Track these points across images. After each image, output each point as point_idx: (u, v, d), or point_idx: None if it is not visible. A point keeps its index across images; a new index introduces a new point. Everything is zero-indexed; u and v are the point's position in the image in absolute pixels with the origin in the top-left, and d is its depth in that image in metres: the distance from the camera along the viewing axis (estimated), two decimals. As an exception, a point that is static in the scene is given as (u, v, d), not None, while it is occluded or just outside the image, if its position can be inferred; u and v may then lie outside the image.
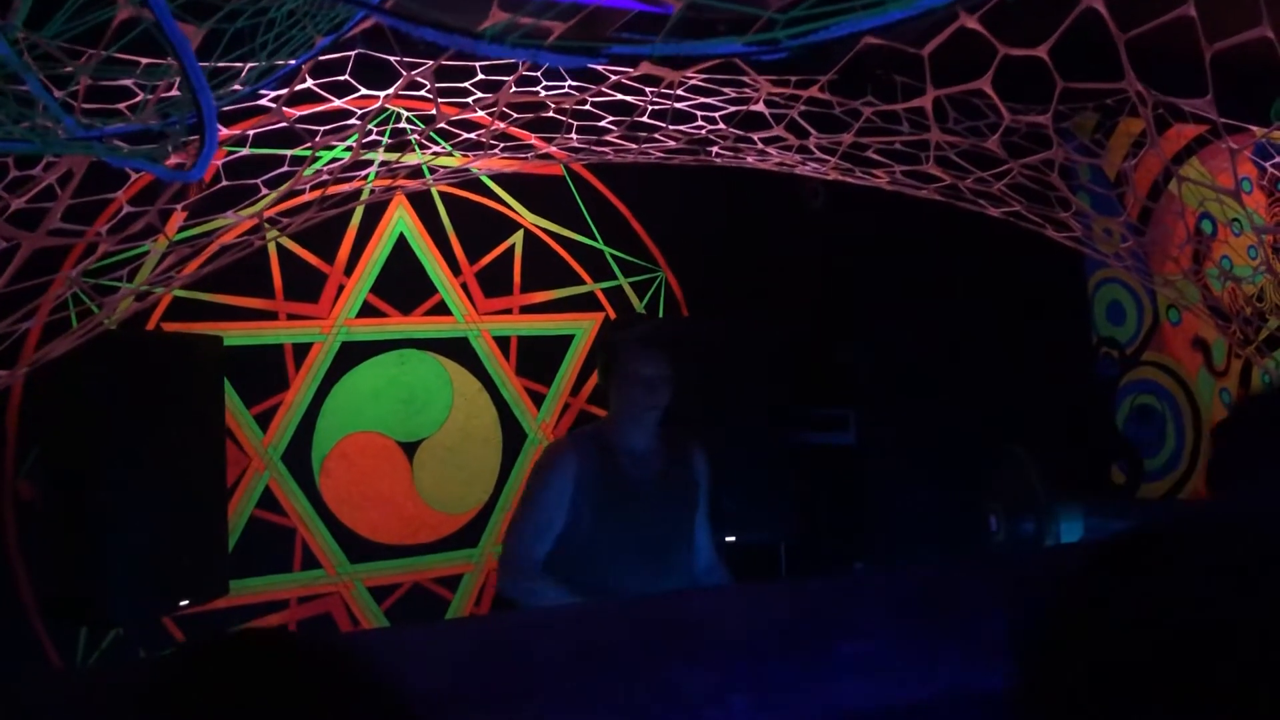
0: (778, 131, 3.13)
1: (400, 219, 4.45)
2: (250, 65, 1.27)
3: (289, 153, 2.91)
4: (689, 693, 2.21)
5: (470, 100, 2.92)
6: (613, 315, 4.82)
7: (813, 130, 3.13)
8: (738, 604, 2.58)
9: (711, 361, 4.41)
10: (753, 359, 4.47)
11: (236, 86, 1.20)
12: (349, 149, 2.89)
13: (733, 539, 4.39)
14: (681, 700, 2.21)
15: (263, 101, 2.52)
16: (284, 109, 2.52)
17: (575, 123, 3.11)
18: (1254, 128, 3.25)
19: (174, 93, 1.36)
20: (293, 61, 1.28)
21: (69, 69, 1.32)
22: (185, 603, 3.56)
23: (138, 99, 1.63)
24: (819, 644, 2.37)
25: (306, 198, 3.10)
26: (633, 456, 3.08)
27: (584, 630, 2.46)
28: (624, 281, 4.84)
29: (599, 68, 2.86)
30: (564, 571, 2.98)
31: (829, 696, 2.19)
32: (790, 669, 2.29)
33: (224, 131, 2.76)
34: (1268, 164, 4.58)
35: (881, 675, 2.30)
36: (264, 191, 2.82)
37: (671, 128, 3.13)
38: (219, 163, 2.92)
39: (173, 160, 1.14)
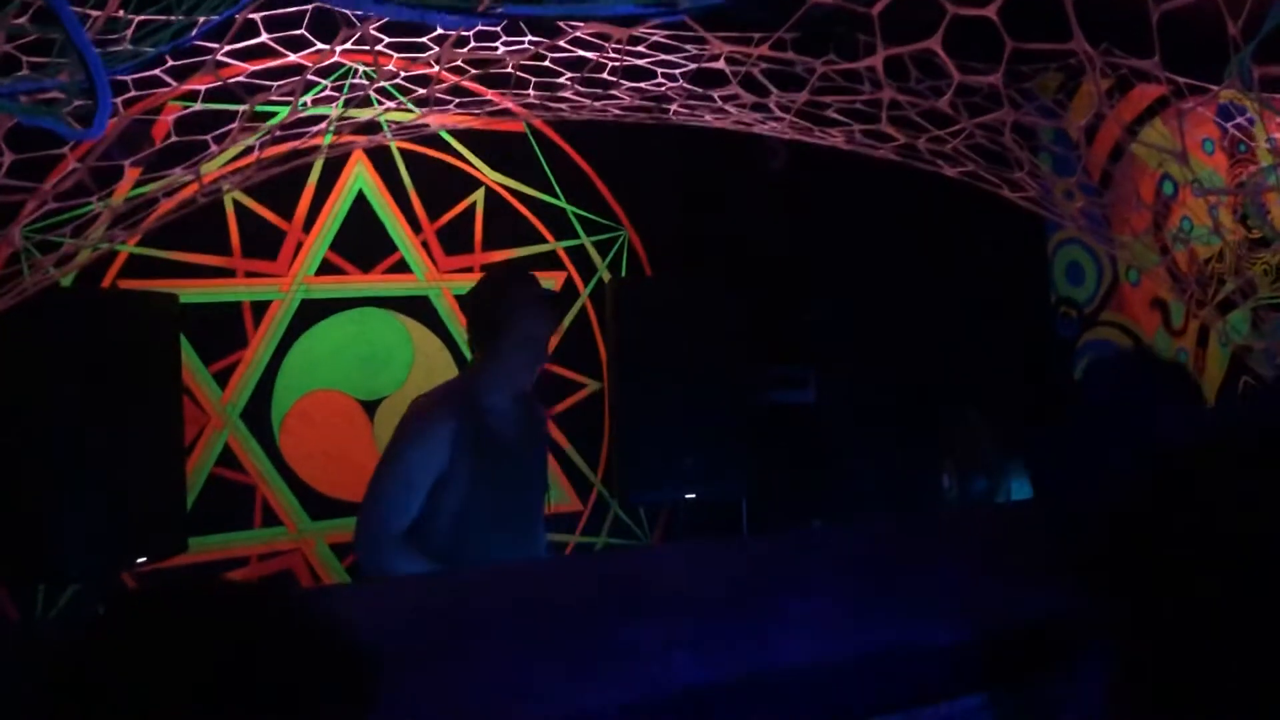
0: (735, 89, 3.12)
1: (359, 175, 4.41)
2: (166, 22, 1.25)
3: (241, 108, 2.87)
4: (632, 648, 2.24)
5: (427, 55, 2.89)
6: (575, 274, 4.81)
7: (773, 88, 3.12)
8: (685, 561, 2.61)
9: (674, 320, 4.42)
10: (714, 317, 4.48)
11: (149, 48, 1.18)
12: (304, 105, 2.85)
13: (693, 496, 4.43)
14: (624, 655, 2.23)
15: (219, 56, 2.48)
16: (231, 63, 2.49)
17: (533, 78, 3.09)
18: (1212, 87, 3.26)
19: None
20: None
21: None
22: (143, 560, 3.56)
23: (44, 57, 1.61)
24: (765, 600, 2.40)
25: (258, 156, 3.06)
26: (497, 415, 2.92)
27: (529, 586, 2.49)
28: (586, 240, 4.83)
29: (561, 24, 2.84)
30: (432, 539, 2.83)
31: (772, 652, 2.22)
32: (735, 625, 2.32)
33: (176, 86, 2.72)
34: (1229, 125, 4.60)
35: (826, 631, 2.33)
36: (213, 148, 2.79)
37: (627, 84, 3.11)
38: (170, 119, 2.89)
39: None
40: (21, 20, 1.64)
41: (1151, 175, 4.61)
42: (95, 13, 1.31)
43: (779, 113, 3.27)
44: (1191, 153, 3.08)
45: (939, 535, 2.88)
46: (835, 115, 3.20)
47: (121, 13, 1.32)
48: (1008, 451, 3.73)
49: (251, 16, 2.39)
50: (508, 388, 2.95)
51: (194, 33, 1.38)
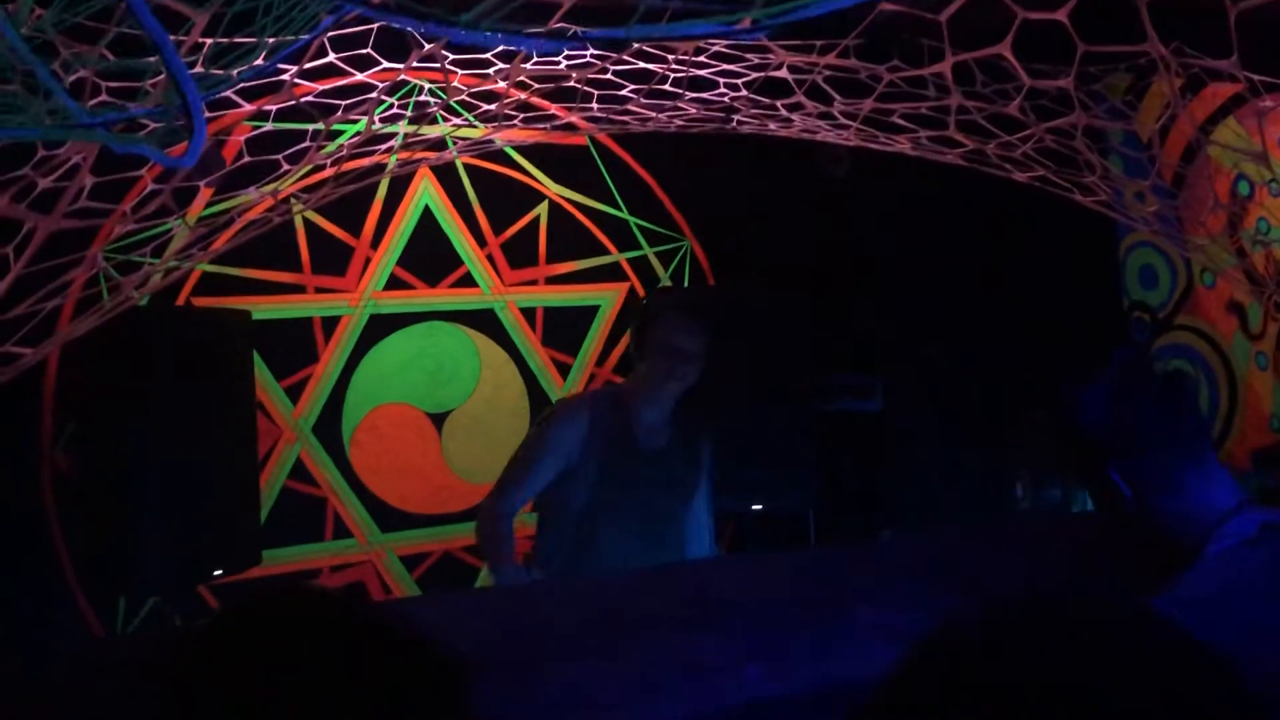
0: (800, 98, 3.11)
1: (425, 191, 4.46)
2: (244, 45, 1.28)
3: (310, 127, 2.93)
4: (705, 661, 2.23)
5: (491, 71, 2.92)
6: (638, 285, 4.82)
7: (837, 96, 3.10)
8: (757, 573, 2.60)
9: (739, 330, 4.40)
10: (779, 327, 4.45)
11: (234, 72, 1.21)
12: (371, 122, 2.90)
13: (759, 507, 4.40)
14: (698, 668, 2.23)
15: (284, 77, 2.53)
16: (302, 83, 2.54)
17: (596, 92, 3.10)
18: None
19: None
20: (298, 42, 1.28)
21: (71, 55, 1.34)
22: (219, 572, 3.62)
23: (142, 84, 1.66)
24: (836, 613, 2.38)
25: (329, 173, 3.12)
26: (645, 425, 3.02)
27: (605, 599, 2.49)
28: (649, 251, 4.83)
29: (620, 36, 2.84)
30: (562, 532, 2.96)
31: (843, 664, 2.20)
32: (806, 638, 2.30)
33: (247, 107, 2.78)
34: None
35: (899, 644, 2.31)
36: (285, 167, 2.85)
37: (691, 95, 3.12)
38: (242, 139, 2.95)
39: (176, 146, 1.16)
40: (100, 47, 1.69)
41: (1226, 175, 4.50)
42: (183, 38, 1.34)
43: (844, 120, 3.26)
44: (1270, 152, 3.00)
45: (1013, 545, 2.83)
46: (901, 121, 3.18)
47: (209, 41, 1.36)
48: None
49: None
50: (658, 398, 3.02)
51: (267, 57, 1.40)
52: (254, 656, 0.83)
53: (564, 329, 4.71)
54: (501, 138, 3.65)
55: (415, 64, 2.61)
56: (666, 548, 3.04)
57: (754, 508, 4.42)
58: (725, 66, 3.05)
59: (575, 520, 2.94)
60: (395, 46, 2.68)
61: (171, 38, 1.35)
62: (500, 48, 2.90)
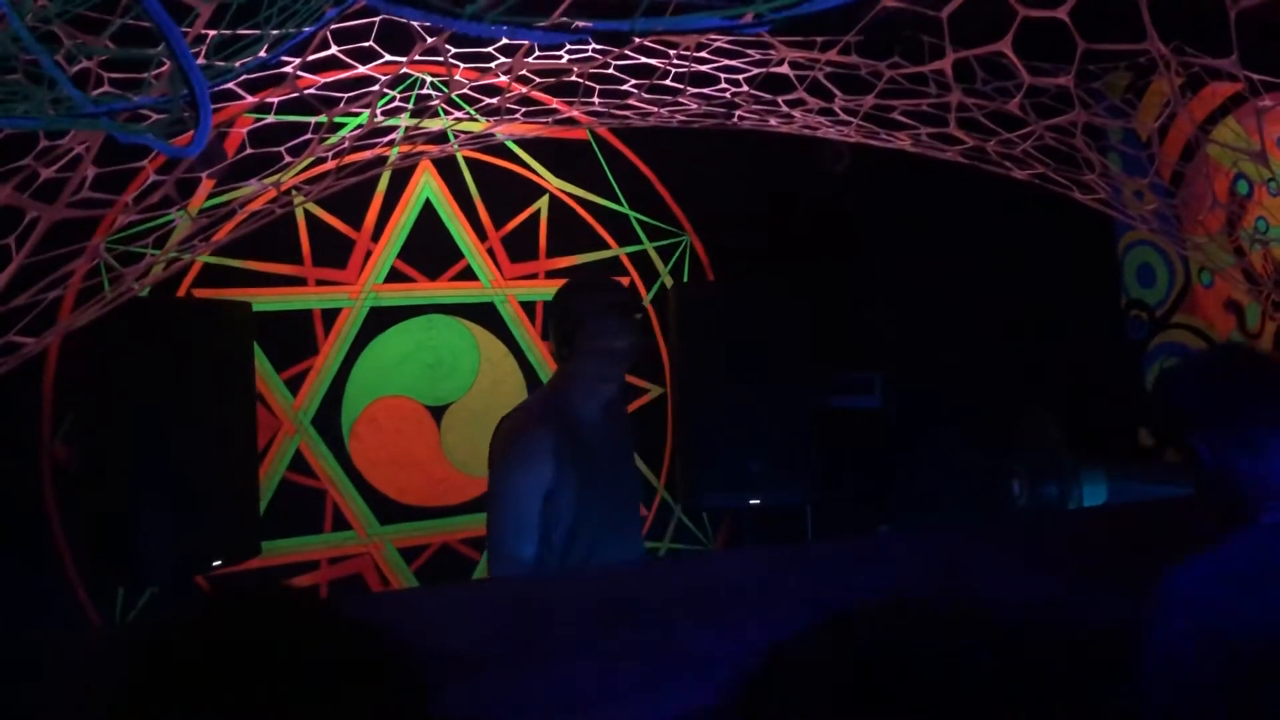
0: (801, 94, 3.12)
1: (426, 185, 4.47)
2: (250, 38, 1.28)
3: (313, 119, 2.93)
4: (704, 654, 2.25)
5: (493, 65, 2.92)
6: (638, 280, 4.83)
7: (838, 92, 3.11)
8: (756, 567, 2.61)
9: (738, 325, 4.42)
10: (778, 322, 4.46)
11: (237, 63, 1.22)
12: (373, 115, 2.90)
13: (757, 501, 4.41)
14: (697, 661, 2.24)
15: (287, 69, 2.54)
16: (304, 75, 2.54)
17: (598, 86, 3.11)
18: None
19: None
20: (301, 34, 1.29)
21: (75, 44, 1.34)
22: (218, 563, 3.63)
23: (148, 74, 1.66)
24: (833, 608, 2.38)
25: (330, 165, 3.12)
26: (588, 426, 2.89)
27: (605, 592, 2.50)
28: (649, 246, 4.84)
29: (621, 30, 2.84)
30: (549, 552, 2.82)
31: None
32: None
33: (248, 99, 2.78)
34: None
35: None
36: (287, 159, 2.85)
37: (693, 90, 3.12)
38: (244, 130, 2.95)
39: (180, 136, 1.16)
40: (104, 39, 1.69)
41: (1225, 174, 4.51)
42: (186, 29, 1.34)
43: (844, 117, 3.26)
44: (1269, 151, 3.01)
45: (1008, 541, 2.85)
46: (901, 118, 3.18)
47: (212, 33, 1.36)
48: (1079, 456, 3.68)
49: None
50: (593, 399, 2.90)
51: (270, 49, 1.41)
52: (209, 659, 0.83)
53: (564, 323, 4.71)
54: (503, 131, 3.65)
55: (418, 57, 2.61)
56: (635, 536, 3.06)
57: (751, 502, 4.43)
58: (726, 62, 3.05)
59: (563, 536, 2.84)
60: (396, 39, 2.68)
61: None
62: (503, 41, 2.90)
